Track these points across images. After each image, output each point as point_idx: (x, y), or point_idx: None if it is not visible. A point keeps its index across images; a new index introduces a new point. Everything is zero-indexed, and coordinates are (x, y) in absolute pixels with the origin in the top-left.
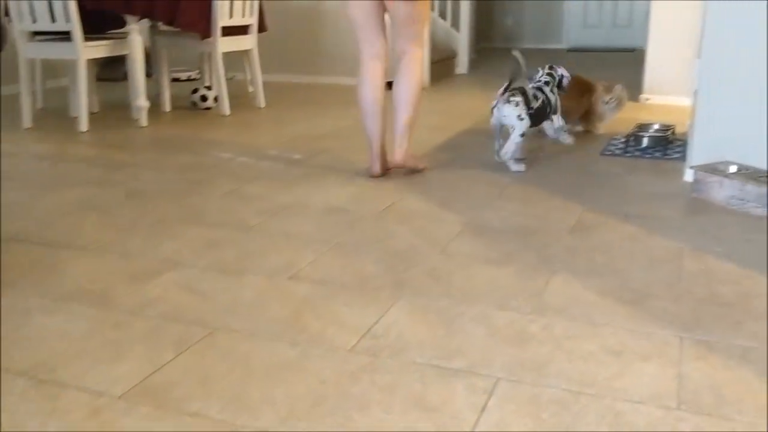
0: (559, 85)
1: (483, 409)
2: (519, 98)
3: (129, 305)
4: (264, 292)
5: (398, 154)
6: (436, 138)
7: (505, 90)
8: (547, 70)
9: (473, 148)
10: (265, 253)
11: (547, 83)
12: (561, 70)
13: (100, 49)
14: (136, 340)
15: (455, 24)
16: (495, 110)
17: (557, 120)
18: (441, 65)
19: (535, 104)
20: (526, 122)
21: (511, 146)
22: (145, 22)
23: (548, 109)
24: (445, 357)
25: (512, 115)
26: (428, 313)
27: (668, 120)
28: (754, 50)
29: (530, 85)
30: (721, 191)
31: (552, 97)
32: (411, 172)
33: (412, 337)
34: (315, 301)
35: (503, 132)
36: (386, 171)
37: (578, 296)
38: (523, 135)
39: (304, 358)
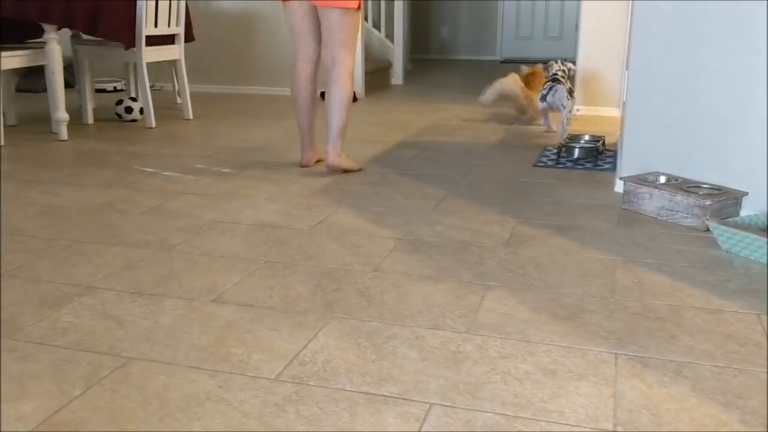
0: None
1: None
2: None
3: (36, 335)
4: (184, 317)
5: (332, 158)
6: (370, 150)
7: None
8: (560, 66)
9: (408, 160)
10: (188, 274)
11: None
12: (569, 64)
13: (15, 59)
14: (42, 373)
15: (390, 35)
16: (549, 96)
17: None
18: (376, 76)
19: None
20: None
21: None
22: (67, 31)
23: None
24: (375, 383)
25: (563, 94)
26: (359, 336)
27: (599, 131)
28: (680, 62)
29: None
30: (651, 202)
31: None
32: (345, 172)
33: (341, 362)
34: (239, 326)
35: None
36: (317, 162)
37: (513, 313)
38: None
39: (225, 389)
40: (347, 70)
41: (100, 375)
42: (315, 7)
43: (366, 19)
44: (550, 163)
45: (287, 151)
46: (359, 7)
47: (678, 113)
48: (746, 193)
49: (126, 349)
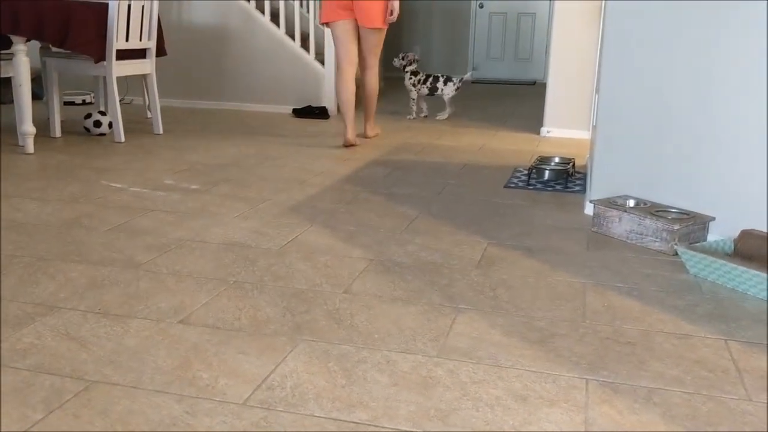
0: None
1: None
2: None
3: None
4: (150, 339)
5: (368, 132)
6: (343, 168)
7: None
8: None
9: (381, 179)
10: (154, 294)
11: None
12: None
13: None
14: (2, 397)
15: None
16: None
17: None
18: None
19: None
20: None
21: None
22: (36, 42)
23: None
24: (345, 409)
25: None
26: (328, 360)
27: (568, 153)
28: (650, 87)
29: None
30: (621, 225)
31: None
32: (375, 136)
33: (310, 387)
34: (206, 348)
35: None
36: (354, 144)
37: (484, 336)
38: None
39: (191, 414)
40: (376, 72)
41: (62, 399)
42: (357, 25)
43: None
44: (520, 184)
45: (258, 168)
46: (386, 27)
47: (647, 138)
48: (713, 219)
49: (89, 371)
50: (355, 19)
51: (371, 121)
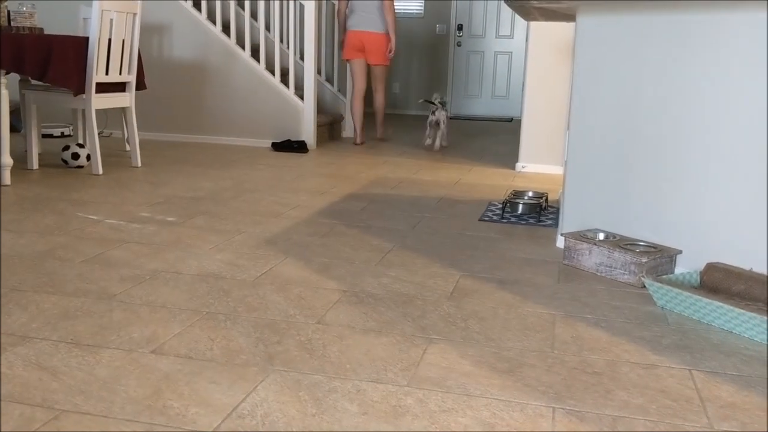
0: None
1: None
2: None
3: None
4: (122, 369)
5: (379, 134)
6: (318, 202)
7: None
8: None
9: (356, 212)
10: (127, 324)
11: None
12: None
13: None
14: None
15: (342, 89)
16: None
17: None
18: (327, 128)
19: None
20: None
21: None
22: (15, 75)
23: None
24: None
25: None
26: (299, 389)
27: (542, 188)
28: (617, 125)
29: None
30: (591, 258)
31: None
32: (383, 140)
33: (280, 416)
34: (178, 378)
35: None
36: (363, 142)
37: (454, 366)
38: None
39: None
40: (382, 95)
41: (31, 427)
42: (367, 63)
43: (319, 72)
44: (495, 217)
45: (235, 201)
46: (390, 63)
47: (616, 173)
48: (680, 252)
49: (59, 401)
50: (365, 59)
51: (381, 127)
